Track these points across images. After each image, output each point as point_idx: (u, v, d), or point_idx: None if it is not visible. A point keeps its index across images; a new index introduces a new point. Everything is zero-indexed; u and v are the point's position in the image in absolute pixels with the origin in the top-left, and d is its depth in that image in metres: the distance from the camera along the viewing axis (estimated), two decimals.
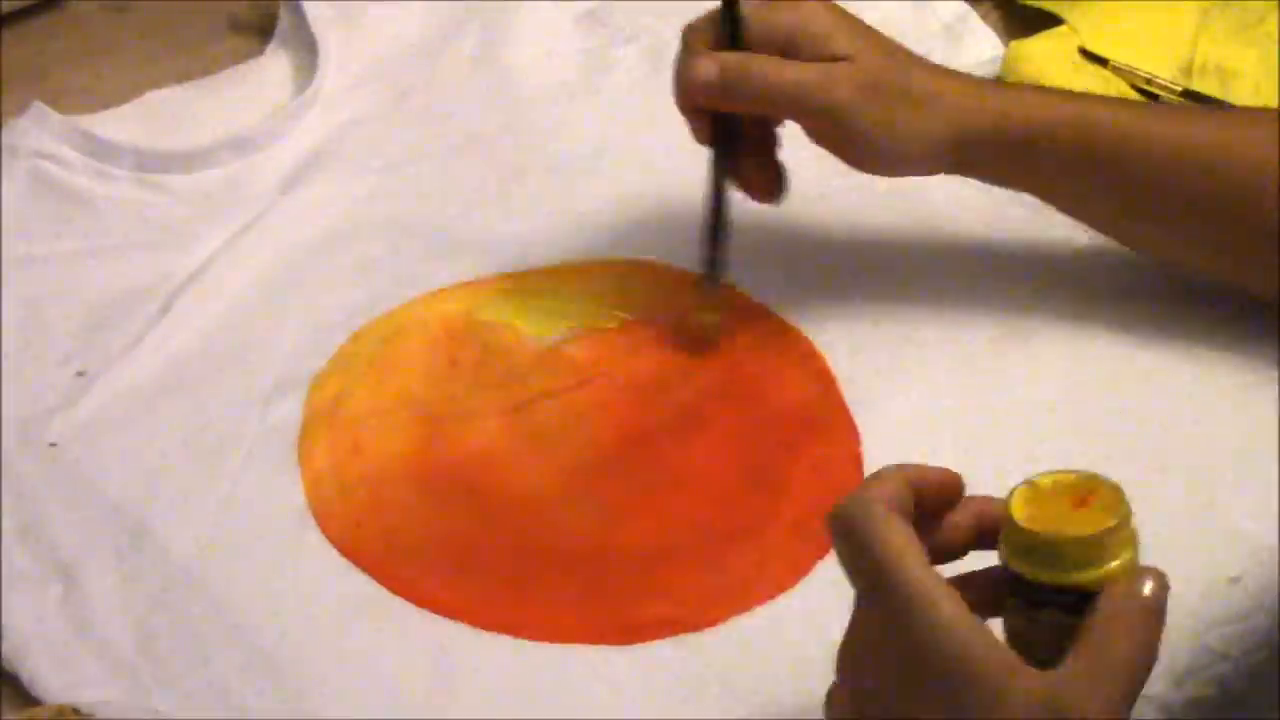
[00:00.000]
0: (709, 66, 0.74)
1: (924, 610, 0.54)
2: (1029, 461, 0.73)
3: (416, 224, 0.87)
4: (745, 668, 0.66)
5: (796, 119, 0.76)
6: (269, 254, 0.85)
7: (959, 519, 0.59)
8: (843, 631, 0.62)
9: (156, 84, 0.95)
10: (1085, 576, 0.55)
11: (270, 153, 0.91)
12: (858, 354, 0.79)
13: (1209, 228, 0.76)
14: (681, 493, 0.74)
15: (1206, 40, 0.97)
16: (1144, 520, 0.71)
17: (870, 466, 0.74)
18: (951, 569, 0.58)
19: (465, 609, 0.69)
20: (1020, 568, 0.56)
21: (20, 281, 0.83)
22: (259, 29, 0.99)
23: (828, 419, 0.77)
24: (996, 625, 0.57)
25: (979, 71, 0.96)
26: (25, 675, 0.66)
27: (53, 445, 0.75)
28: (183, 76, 0.96)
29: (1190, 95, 0.93)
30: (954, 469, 0.73)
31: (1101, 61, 0.94)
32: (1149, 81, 0.93)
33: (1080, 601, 0.54)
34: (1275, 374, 0.77)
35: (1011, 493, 0.57)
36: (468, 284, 0.84)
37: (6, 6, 0.99)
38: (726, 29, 0.75)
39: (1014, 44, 0.95)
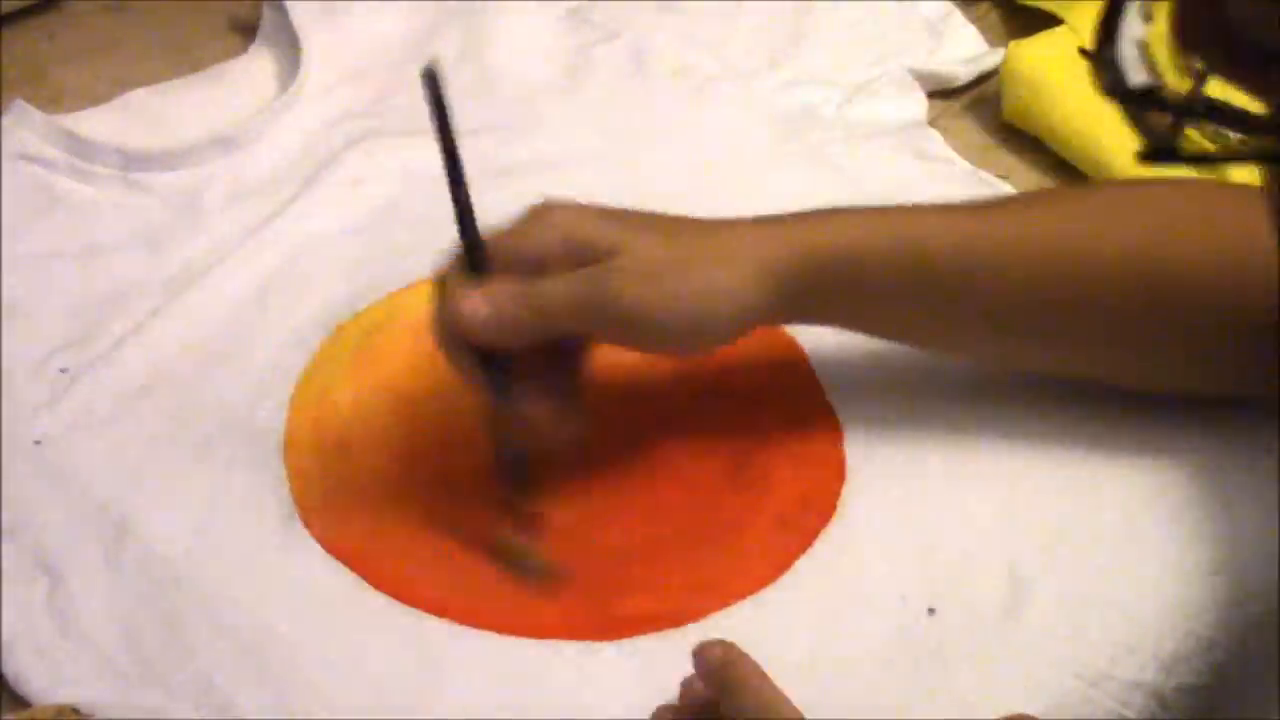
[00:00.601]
0: (478, 304, 0.67)
1: None
2: (1011, 457, 0.74)
3: (398, 221, 0.87)
4: None
5: (585, 333, 0.70)
6: (252, 252, 0.85)
7: None
8: (823, 626, 0.62)
9: (155, 83, 0.95)
10: None
11: (253, 151, 0.91)
12: (840, 351, 0.79)
13: (1072, 327, 0.72)
14: (664, 489, 0.74)
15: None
16: (1127, 510, 0.72)
17: (852, 463, 0.75)
18: None
19: (450, 605, 0.69)
20: None
21: (4, 280, 0.83)
22: (256, 28, 0.99)
23: (810, 416, 0.77)
24: None
25: (963, 69, 0.97)
26: (10, 673, 0.66)
27: (37, 443, 0.75)
28: (181, 75, 0.97)
29: (1191, 95, 0.92)
30: (938, 461, 0.74)
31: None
32: None
33: None
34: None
35: None
36: None
37: (6, 6, 1.00)
38: (473, 266, 0.69)
39: (1014, 44, 0.95)
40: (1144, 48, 0.49)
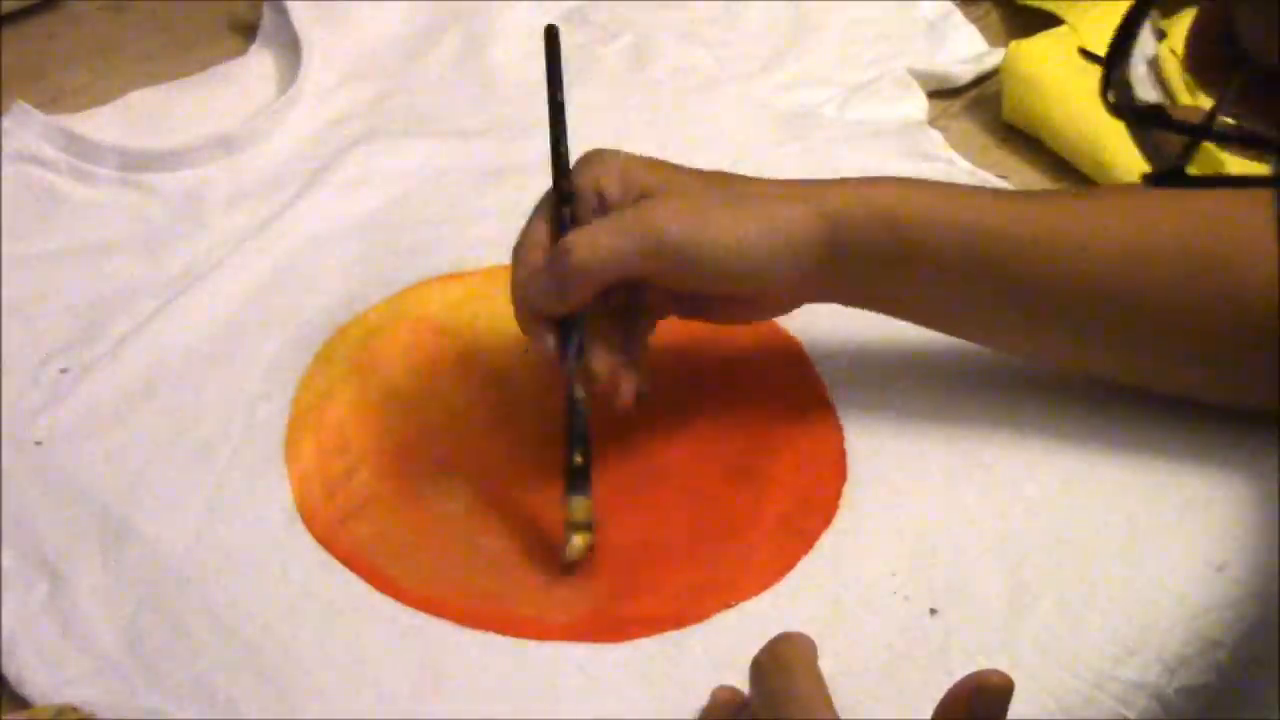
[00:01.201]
0: (540, 279, 0.70)
1: None
2: (1013, 456, 0.74)
3: (398, 222, 0.88)
4: (731, 664, 0.66)
5: (639, 275, 0.71)
6: (253, 253, 0.85)
7: None
8: (826, 627, 0.62)
9: (155, 83, 0.95)
10: None
11: (253, 152, 0.91)
12: (842, 351, 0.79)
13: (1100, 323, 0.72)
14: (667, 490, 0.74)
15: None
16: (1130, 510, 0.72)
17: (854, 464, 0.74)
18: None
19: (452, 606, 0.69)
20: None
21: (4, 281, 0.83)
22: (256, 28, 0.99)
23: (812, 417, 0.77)
24: None
25: (963, 69, 0.97)
26: (12, 674, 0.66)
27: (38, 444, 0.75)
28: (181, 76, 0.96)
29: (1207, 116, 0.92)
30: (940, 462, 0.74)
31: (1101, 62, 0.94)
32: None
33: None
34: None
35: None
36: (450, 279, 0.84)
37: (6, 6, 1.00)
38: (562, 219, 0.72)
39: (1014, 44, 0.95)
40: (1155, 65, 0.49)
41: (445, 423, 0.76)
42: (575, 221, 0.72)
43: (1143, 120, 0.45)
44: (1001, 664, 0.60)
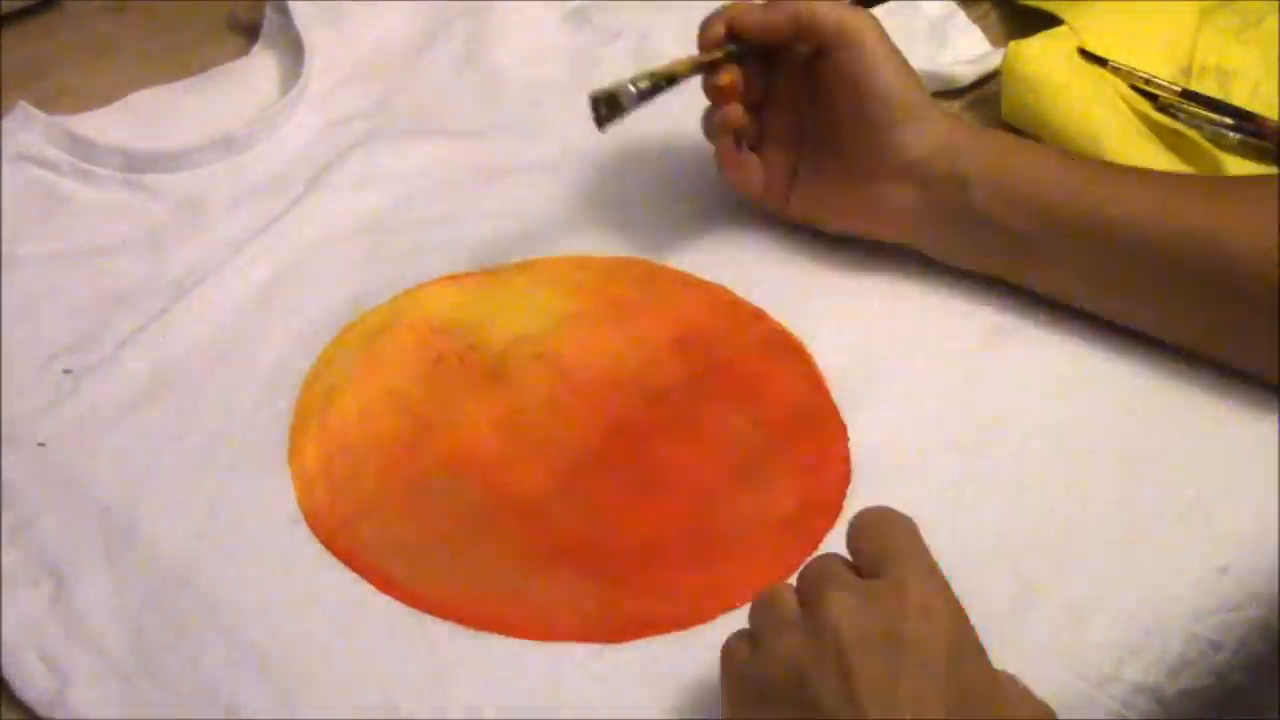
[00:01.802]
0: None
1: None
2: (1017, 455, 0.74)
3: (402, 222, 0.87)
4: None
5: (830, 51, 0.79)
6: (255, 254, 0.85)
7: None
8: None
9: (155, 84, 0.95)
10: None
11: (256, 152, 0.91)
12: (846, 353, 0.79)
13: (1186, 305, 0.76)
14: (670, 491, 0.74)
15: (1206, 41, 0.97)
16: (1131, 512, 0.72)
17: (858, 465, 0.75)
18: None
19: (456, 607, 0.69)
20: None
21: (6, 281, 0.83)
22: (257, 29, 0.99)
23: (816, 418, 0.77)
24: None
25: (966, 70, 0.97)
26: (14, 676, 0.66)
27: (41, 445, 0.75)
28: (181, 76, 0.96)
29: (1189, 95, 0.93)
30: (943, 462, 0.74)
31: (1101, 62, 0.94)
32: (1148, 82, 0.93)
33: None
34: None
35: None
36: (452, 281, 0.84)
37: (6, 6, 1.00)
38: None
39: (1013, 44, 0.95)
40: None
41: (448, 423, 0.76)
42: None
43: None
44: (1003, 664, 0.60)
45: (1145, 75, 0.93)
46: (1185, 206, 0.75)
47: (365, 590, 0.69)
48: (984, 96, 0.97)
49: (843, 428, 0.76)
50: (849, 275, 0.83)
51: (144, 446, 0.75)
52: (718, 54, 0.80)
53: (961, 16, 1.01)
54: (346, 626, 0.68)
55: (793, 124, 0.83)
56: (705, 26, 0.81)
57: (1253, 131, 0.91)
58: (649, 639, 0.68)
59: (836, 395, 0.78)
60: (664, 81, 0.79)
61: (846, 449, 0.75)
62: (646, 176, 0.89)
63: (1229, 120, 0.92)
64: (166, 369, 0.79)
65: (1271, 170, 0.90)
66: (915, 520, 0.70)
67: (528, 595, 0.69)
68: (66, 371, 0.79)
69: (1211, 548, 0.70)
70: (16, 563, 0.70)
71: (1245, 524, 0.71)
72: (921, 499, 0.73)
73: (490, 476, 0.74)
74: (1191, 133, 0.91)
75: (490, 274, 0.84)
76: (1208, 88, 0.94)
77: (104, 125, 0.92)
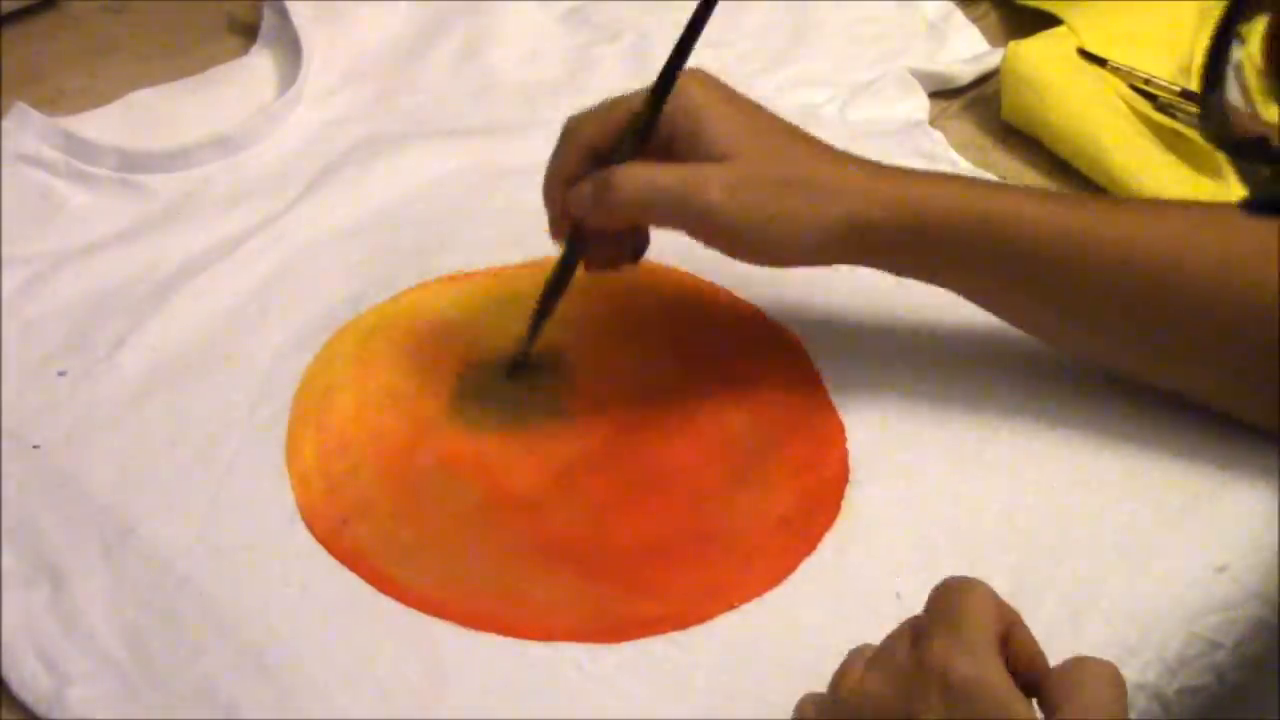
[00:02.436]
0: (582, 189, 0.73)
1: None
2: (1014, 457, 0.74)
3: (399, 223, 0.87)
4: (733, 665, 0.67)
5: (672, 226, 0.74)
6: (253, 254, 0.85)
7: None
8: (828, 628, 0.62)
9: (154, 84, 0.95)
10: None
11: (254, 152, 0.91)
12: (845, 353, 0.79)
13: (1131, 328, 0.74)
14: (669, 492, 0.74)
15: (1205, 41, 0.96)
16: (1130, 511, 0.72)
17: (857, 465, 0.74)
18: None
19: (454, 607, 0.69)
20: None
21: (2, 282, 0.83)
22: (256, 29, 0.99)
23: (815, 417, 0.77)
24: None
25: (964, 69, 0.97)
26: (13, 676, 0.66)
27: (36, 447, 0.75)
28: (180, 76, 0.96)
29: (1189, 95, 0.93)
30: (941, 462, 0.74)
31: (1100, 62, 0.94)
32: (1147, 82, 0.93)
33: None
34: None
35: None
36: (451, 280, 0.84)
37: (6, 6, 1.00)
38: (636, 128, 0.73)
39: (1013, 44, 0.95)
40: (1237, 70, 0.48)
41: (446, 423, 0.76)
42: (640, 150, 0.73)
43: (1242, 151, 0.45)
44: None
45: (1145, 75, 0.93)
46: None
47: (363, 590, 0.69)
48: (983, 96, 0.97)
49: (841, 427, 0.76)
50: (849, 275, 0.83)
51: (141, 447, 0.75)
52: (568, 268, 0.77)
53: (959, 16, 1.01)
54: (344, 626, 0.68)
55: None
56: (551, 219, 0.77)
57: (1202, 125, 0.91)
58: (647, 639, 0.68)
59: (835, 395, 0.78)
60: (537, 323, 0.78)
61: (845, 448, 0.75)
62: None
63: None
64: (163, 369, 0.79)
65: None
66: (915, 519, 0.71)
67: (526, 595, 0.69)
68: (62, 373, 0.79)
69: (1210, 547, 0.70)
70: (15, 563, 0.70)
71: (1244, 524, 0.71)
72: (918, 498, 0.73)
73: (489, 476, 0.74)
74: (1191, 133, 0.91)
75: (489, 274, 0.84)
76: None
77: (101, 125, 0.91)
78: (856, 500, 0.73)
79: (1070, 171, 0.91)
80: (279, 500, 0.73)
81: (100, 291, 0.83)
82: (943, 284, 0.76)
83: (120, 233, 0.86)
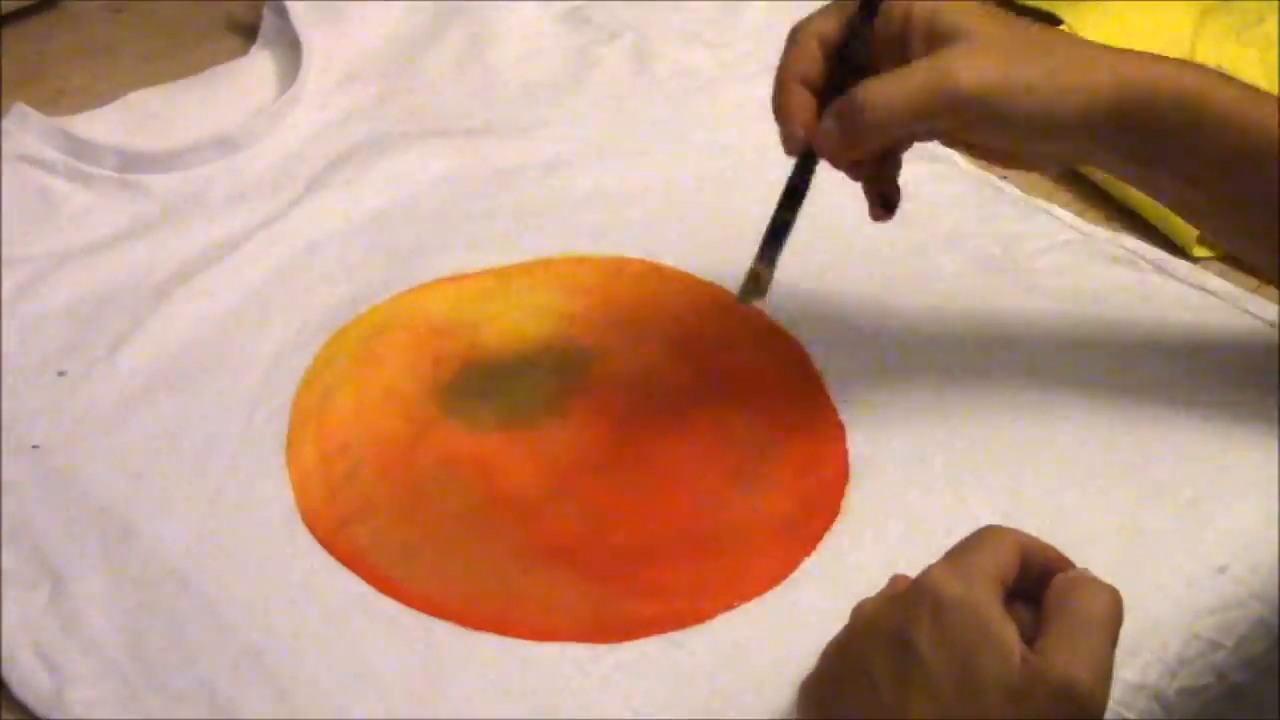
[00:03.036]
0: (828, 127, 0.69)
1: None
2: (1014, 457, 0.74)
3: (399, 223, 0.88)
4: (732, 665, 0.66)
5: (926, 130, 0.70)
6: (253, 254, 0.85)
7: None
8: (829, 628, 0.62)
9: (154, 84, 0.96)
10: None
11: (253, 152, 0.91)
12: (844, 353, 0.79)
13: None
14: (669, 492, 0.74)
15: (1205, 41, 0.97)
16: (1130, 512, 0.72)
17: (857, 465, 0.74)
18: None
19: (453, 608, 0.69)
20: None
21: (2, 283, 0.83)
22: (256, 29, 0.99)
23: (813, 418, 0.77)
24: None
25: None
26: (14, 676, 0.66)
27: (36, 447, 0.75)
28: (180, 76, 0.97)
29: None
30: (941, 462, 0.74)
31: None
32: None
33: None
34: (1272, 363, 0.78)
35: None
36: (451, 281, 0.84)
37: (6, 6, 1.00)
38: (857, 30, 0.70)
39: None
40: None
41: (446, 424, 0.76)
42: (866, 51, 0.69)
43: None
44: None
45: None
46: None
47: (363, 590, 0.69)
48: None
49: (841, 427, 0.76)
50: (849, 275, 0.83)
51: (141, 447, 0.75)
52: (802, 186, 0.71)
53: None
54: (344, 626, 0.68)
55: None
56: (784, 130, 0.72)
57: None
58: (647, 639, 0.67)
59: (835, 395, 0.78)
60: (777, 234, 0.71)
61: (845, 448, 0.75)
62: (646, 176, 0.89)
63: None
64: (163, 369, 0.79)
65: None
66: (915, 520, 0.71)
67: (526, 595, 0.69)
68: (61, 374, 0.79)
69: (1211, 547, 0.70)
70: (14, 564, 0.70)
71: (1245, 523, 0.71)
72: (920, 499, 0.73)
73: (488, 477, 0.74)
74: None
75: (489, 274, 0.84)
76: None
77: (101, 125, 0.92)
78: (856, 501, 0.73)
79: (1068, 171, 0.91)
80: (279, 500, 0.73)
81: (100, 292, 0.83)
82: (1180, 191, 0.72)
83: (120, 233, 0.87)
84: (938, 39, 0.68)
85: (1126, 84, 0.67)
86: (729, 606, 0.68)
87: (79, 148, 0.89)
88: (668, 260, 0.84)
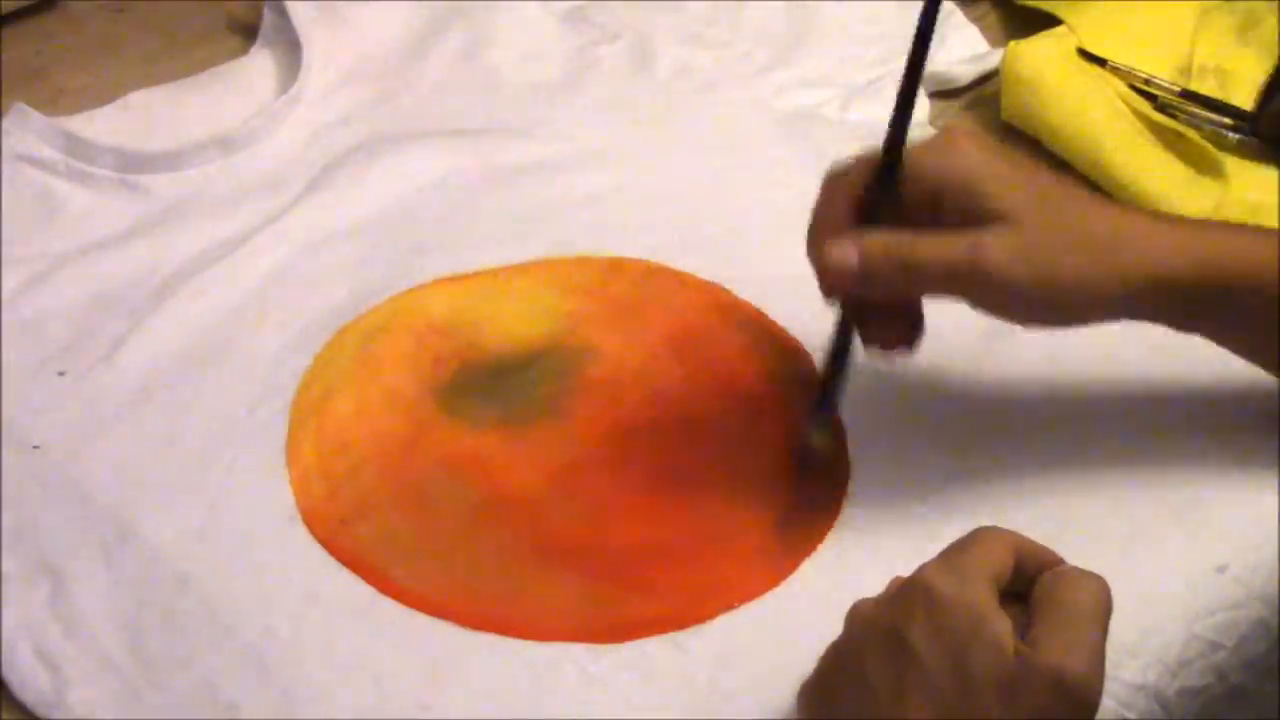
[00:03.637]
0: (847, 254, 0.68)
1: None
2: (1015, 455, 0.74)
3: (399, 223, 0.87)
4: (732, 666, 0.67)
5: (948, 296, 0.69)
6: (253, 254, 0.85)
7: None
8: (828, 629, 0.62)
9: (154, 84, 0.95)
10: None
11: (253, 152, 0.91)
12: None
13: None
14: (668, 493, 0.74)
15: (1205, 41, 0.97)
16: (1130, 512, 0.72)
17: (857, 466, 0.74)
18: None
19: (453, 608, 0.69)
20: None
21: (1, 283, 0.83)
22: (256, 29, 0.99)
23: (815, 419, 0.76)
24: None
25: (964, 69, 0.97)
26: (14, 676, 0.66)
27: (36, 447, 0.75)
28: (180, 76, 0.96)
29: (1189, 95, 0.93)
30: (941, 464, 0.74)
31: (1100, 62, 0.94)
32: (1147, 82, 0.93)
33: None
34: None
35: None
36: (451, 281, 0.84)
37: (6, 6, 1.00)
38: (881, 181, 0.69)
39: (1012, 44, 0.96)
40: None
41: (446, 423, 0.76)
42: (895, 202, 0.69)
43: None
44: None
45: (1145, 75, 0.94)
46: None
47: (363, 590, 0.69)
48: (983, 96, 0.97)
49: (842, 428, 0.76)
50: None
51: (141, 447, 0.75)
52: (844, 336, 0.72)
53: (959, 16, 1.01)
54: (344, 626, 0.68)
55: None
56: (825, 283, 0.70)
57: (1252, 131, 0.91)
58: (647, 639, 0.67)
59: None
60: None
61: (846, 449, 0.75)
62: (646, 177, 0.89)
63: (1228, 120, 0.92)
64: (163, 370, 0.79)
65: (1270, 171, 0.90)
66: (915, 520, 0.71)
67: (526, 595, 0.69)
68: (61, 374, 0.79)
69: (1211, 547, 0.70)
70: (15, 564, 0.70)
71: (1245, 524, 0.71)
72: (920, 499, 0.73)
73: (488, 476, 0.74)
74: (1191, 133, 0.91)
75: (489, 274, 0.84)
76: (1207, 88, 0.94)
77: (101, 125, 0.91)
78: (856, 501, 0.73)
79: (1069, 172, 0.91)
80: (279, 500, 0.73)
81: (100, 292, 0.83)
82: (1230, 343, 0.72)
83: (120, 233, 0.86)
84: (973, 215, 0.67)
85: (1156, 268, 0.67)
86: (729, 607, 0.69)
87: (79, 148, 0.89)
88: (667, 260, 0.84)
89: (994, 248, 0.66)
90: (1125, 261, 0.67)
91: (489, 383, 0.78)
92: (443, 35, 0.99)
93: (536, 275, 0.84)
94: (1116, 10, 0.98)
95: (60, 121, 0.90)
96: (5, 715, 0.66)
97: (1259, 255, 0.68)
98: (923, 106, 0.95)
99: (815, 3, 1.02)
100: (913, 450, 0.75)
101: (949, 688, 0.56)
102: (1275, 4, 0.98)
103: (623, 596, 0.69)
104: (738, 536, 0.72)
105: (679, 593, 0.69)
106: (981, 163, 0.68)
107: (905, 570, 0.67)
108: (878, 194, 0.69)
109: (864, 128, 0.93)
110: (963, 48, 0.99)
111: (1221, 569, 0.70)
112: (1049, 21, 0.98)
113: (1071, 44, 0.95)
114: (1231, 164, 0.89)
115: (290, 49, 0.97)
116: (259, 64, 0.97)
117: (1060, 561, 0.61)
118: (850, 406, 0.77)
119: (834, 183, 0.70)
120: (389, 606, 0.69)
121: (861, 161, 0.70)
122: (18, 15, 1.00)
